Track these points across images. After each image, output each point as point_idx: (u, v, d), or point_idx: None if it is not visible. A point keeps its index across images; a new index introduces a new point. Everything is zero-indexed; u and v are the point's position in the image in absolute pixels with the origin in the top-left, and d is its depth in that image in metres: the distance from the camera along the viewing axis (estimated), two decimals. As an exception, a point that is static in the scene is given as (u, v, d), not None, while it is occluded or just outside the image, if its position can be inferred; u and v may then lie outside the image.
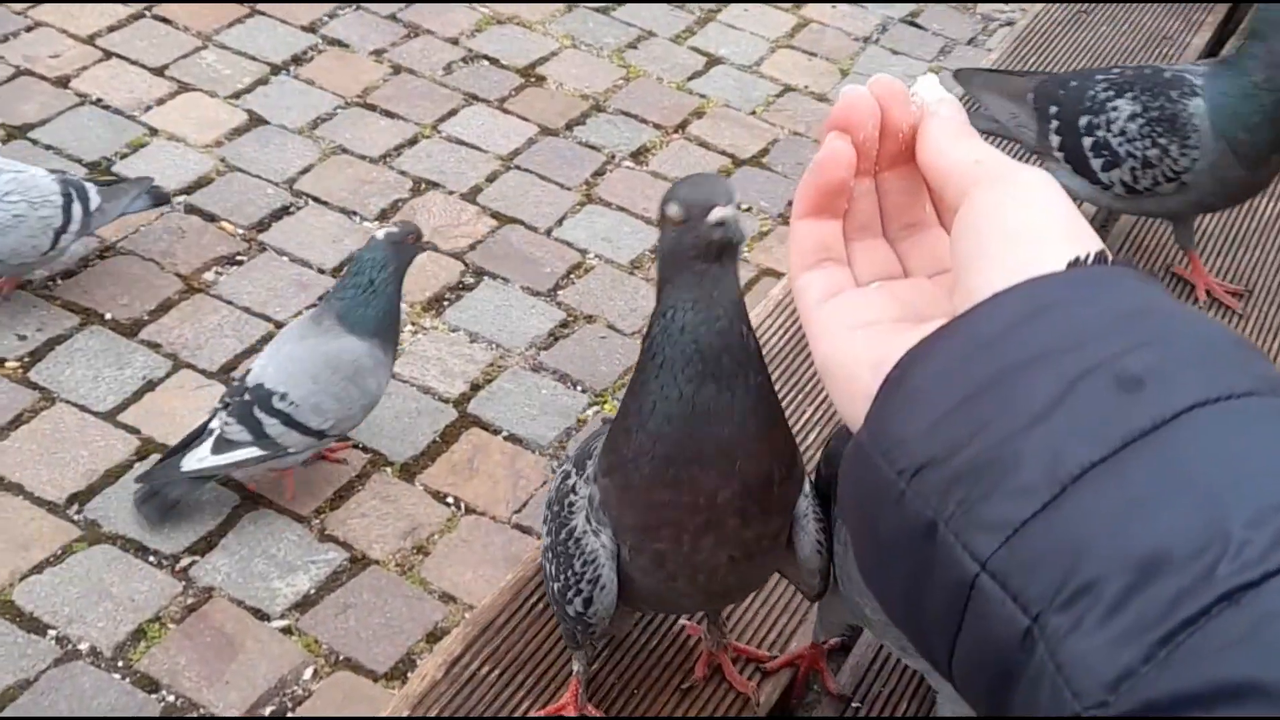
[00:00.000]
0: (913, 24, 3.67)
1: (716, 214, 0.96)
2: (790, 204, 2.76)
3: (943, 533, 0.44)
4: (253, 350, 2.42)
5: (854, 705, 1.25)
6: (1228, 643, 0.38)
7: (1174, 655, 0.39)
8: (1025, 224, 0.50)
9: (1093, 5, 2.62)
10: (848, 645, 1.34)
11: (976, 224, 0.51)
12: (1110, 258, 0.48)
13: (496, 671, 1.22)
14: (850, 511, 0.50)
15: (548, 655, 1.25)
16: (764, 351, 1.62)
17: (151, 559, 2.08)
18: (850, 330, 0.53)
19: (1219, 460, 0.42)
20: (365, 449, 2.29)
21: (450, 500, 2.24)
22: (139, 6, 3.18)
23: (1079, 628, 0.41)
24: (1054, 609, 0.41)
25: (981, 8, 3.76)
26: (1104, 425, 0.43)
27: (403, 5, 3.35)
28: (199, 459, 2.08)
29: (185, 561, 2.08)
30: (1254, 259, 1.94)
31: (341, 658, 2.00)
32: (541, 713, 1.20)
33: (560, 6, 3.47)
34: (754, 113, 3.24)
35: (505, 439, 2.35)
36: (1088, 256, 0.48)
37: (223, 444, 2.08)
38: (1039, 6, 2.41)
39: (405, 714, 1.17)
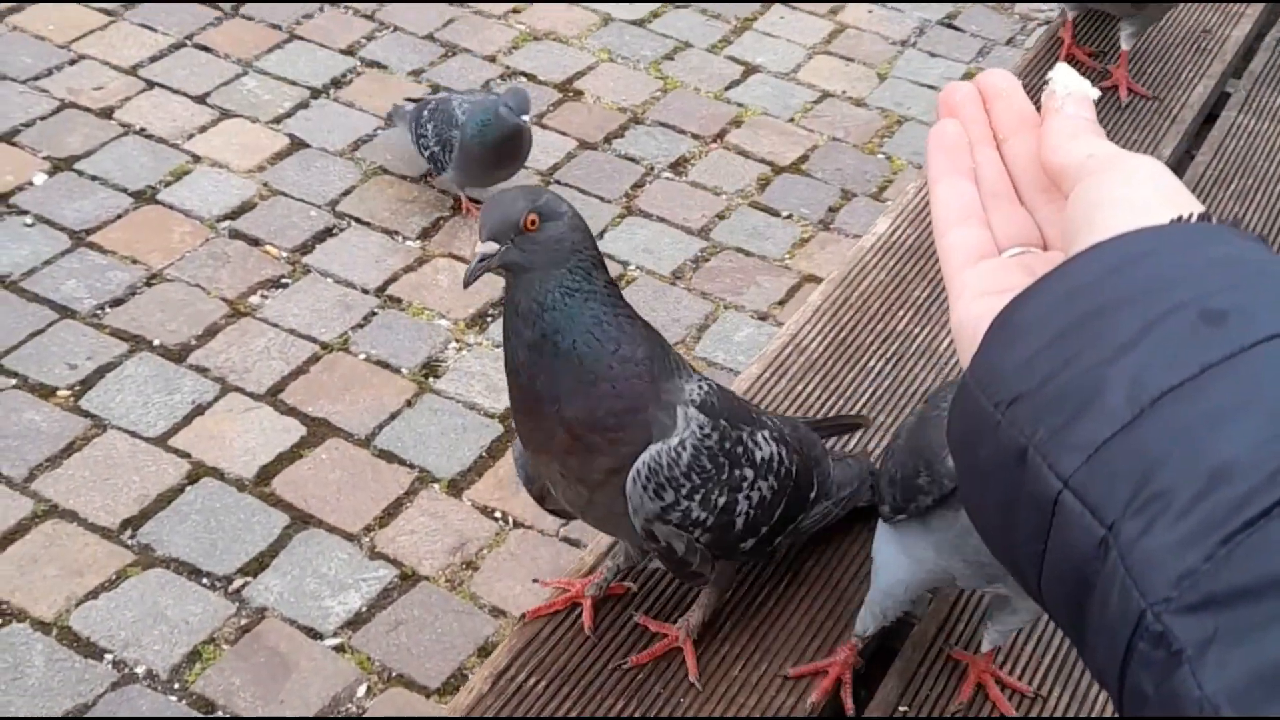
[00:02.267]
0: (950, 26, 3.65)
1: (476, 248, 1.09)
2: (830, 209, 2.75)
3: (1031, 456, 0.47)
4: (300, 372, 2.44)
5: (901, 709, 1.24)
6: None
7: (1234, 553, 0.41)
8: (1130, 196, 0.53)
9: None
10: (892, 649, 1.33)
11: (1085, 200, 0.54)
12: (1215, 220, 0.51)
13: (544, 683, 1.22)
14: (956, 449, 0.53)
15: (594, 664, 1.25)
16: (803, 356, 1.62)
17: (204, 581, 2.09)
18: (983, 296, 0.56)
19: None
20: (412, 465, 2.30)
21: (498, 515, 2.25)
22: (180, 36, 3.22)
23: (1149, 532, 0.43)
24: (1127, 517, 0.44)
25: (1019, 8, 3.74)
26: (1185, 353, 0.45)
27: (439, 26, 3.37)
28: None
29: (238, 583, 2.10)
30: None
31: (394, 674, 2.01)
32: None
33: (596, 20, 3.48)
34: (792, 120, 3.23)
35: (552, 453, 2.35)
36: (1190, 215, 0.51)
37: None
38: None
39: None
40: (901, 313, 1.71)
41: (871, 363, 1.63)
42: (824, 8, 3.64)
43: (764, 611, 1.31)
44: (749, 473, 1.17)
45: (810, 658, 1.27)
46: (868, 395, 1.59)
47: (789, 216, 2.94)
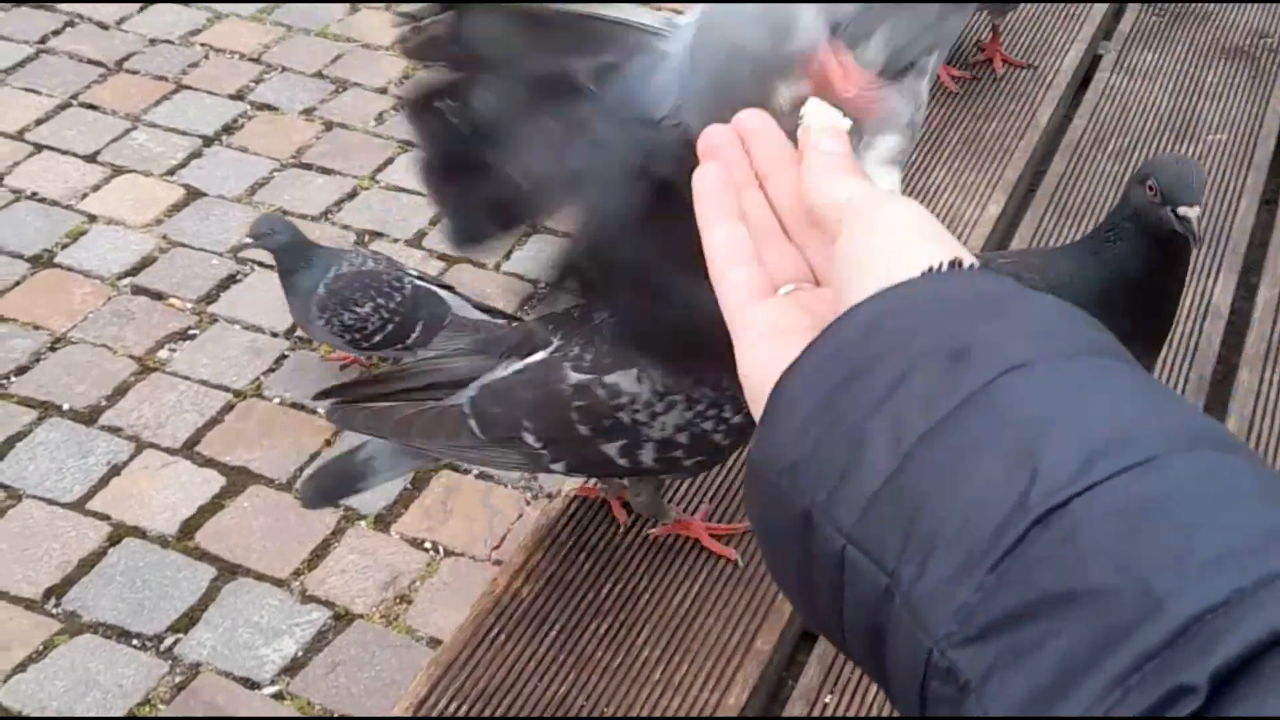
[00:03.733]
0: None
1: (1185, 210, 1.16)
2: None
3: (815, 518, 0.48)
4: (215, 422, 2.42)
5: (826, 699, 1.25)
6: (1041, 559, 0.42)
7: (1001, 581, 0.43)
8: (890, 246, 0.53)
9: None
10: (813, 634, 1.34)
11: (847, 255, 0.55)
12: (969, 262, 0.52)
13: (465, 707, 1.22)
14: (755, 521, 0.54)
15: (515, 684, 1.25)
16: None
17: (135, 642, 2.07)
18: (764, 340, 0.56)
19: (1031, 409, 0.45)
20: (337, 505, 2.29)
21: (428, 545, 2.24)
22: (64, 96, 3.19)
23: (923, 574, 0.44)
24: (904, 562, 0.45)
25: None
26: (935, 395, 0.46)
27: (328, 63, 3.35)
28: None
29: (169, 640, 2.08)
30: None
31: (336, 716, 2.00)
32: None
33: (484, 43, 3.48)
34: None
35: (476, 477, 2.35)
36: (941, 264, 0.51)
37: None
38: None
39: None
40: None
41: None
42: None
43: (681, 613, 1.32)
44: None
45: (729, 654, 1.28)
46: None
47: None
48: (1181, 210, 1.20)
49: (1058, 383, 0.46)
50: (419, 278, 2.48)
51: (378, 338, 2.41)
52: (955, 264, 0.51)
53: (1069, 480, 0.43)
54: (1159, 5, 2.38)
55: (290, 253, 2.43)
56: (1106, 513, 0.42)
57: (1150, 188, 1.21)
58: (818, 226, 0.59)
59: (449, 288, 2.51)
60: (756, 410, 0.54)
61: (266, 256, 2.76)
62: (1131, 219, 1.25)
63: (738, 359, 0.57)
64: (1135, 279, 1.25)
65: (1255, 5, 2.38)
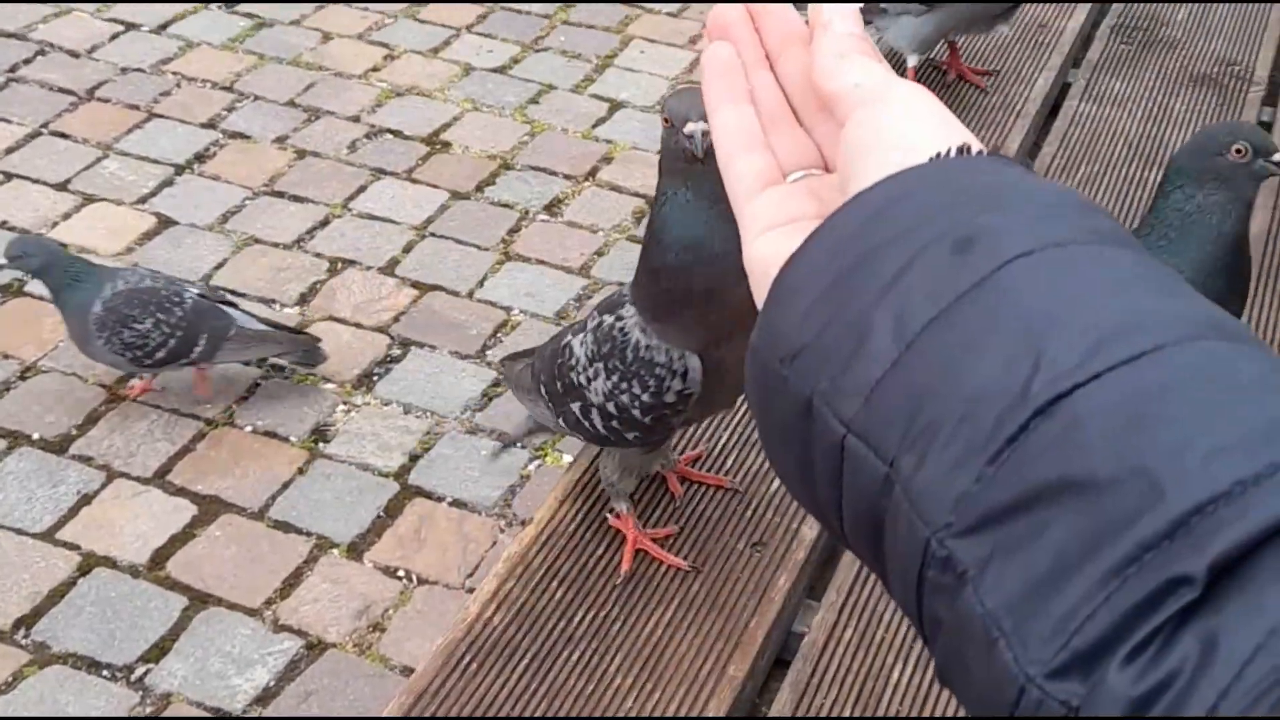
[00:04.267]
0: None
1: (689, 127, 1.16)
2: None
3: (817, 406, 0.48)
4: (186, 451, 2.41)
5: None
6: (1041, 450, 0.42)
7: (1000, 472, 0.43)
8: (897, 133, 0.52)
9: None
10: (785, 661, 1.34)
11: (854, 142, 0.54)
12: (977, 149, 0.51)
13: (437, 738, 1.21)
14: (754, 409, 0.53)
15: (487, 713, 1.25)
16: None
17: (105, 673, 2.05)
18: (770, 230, 0.56)
19: (1036, 299, 0.45)
20: (309, 533, 2.28)
21: (401, 573, 2.23)
22: (35, 125, 3.18)
23: (923, 463, 0.44)
24: (903, 452, 0.45)
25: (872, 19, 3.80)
26: (941, 285, 0.46)
27: (300, 91, 3.36)
28: None
29: (140, 671, 2.06)
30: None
31: (319, 717, 1.98)
32: (626, 563, 1.40)
33: (457, 71, 3.50)
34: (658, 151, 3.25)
35: (450, 505, 2.35)
36: (949, 150, 0.51)
37: None
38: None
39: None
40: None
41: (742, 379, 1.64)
42: (683, 38, 3.69)
43: (653, 641, 1.31)
44: None
45: (702, 682, 1.28)
46: (742, 413, 1.60)
47: (667, 246, 2.95)
48: (1277, 156, 1.34)
49: (1062, 271, 0.46)
50: (200, 294, 2.47)
51: (160, 354, 2.40)
52: (963, 150, 0.51)
53: (1072, 370, 0.42)
54: (1128, 33, 2.41)
55: (55, 273, 2.40)
56: (1110, 403, 0.42)
57: (1239, 150, 1.33)
58: (827, 110, 0.57)
59: (232, 303, 2.51)
60: (757, 298, 0.54)
61: (239, 284, 2.76)
62: (1216, 186, 1.34)
63: (743, 248, 0.56)
64: (1232, 239, 1.35)
65: (1223, 35, 2.41)
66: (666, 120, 1.20)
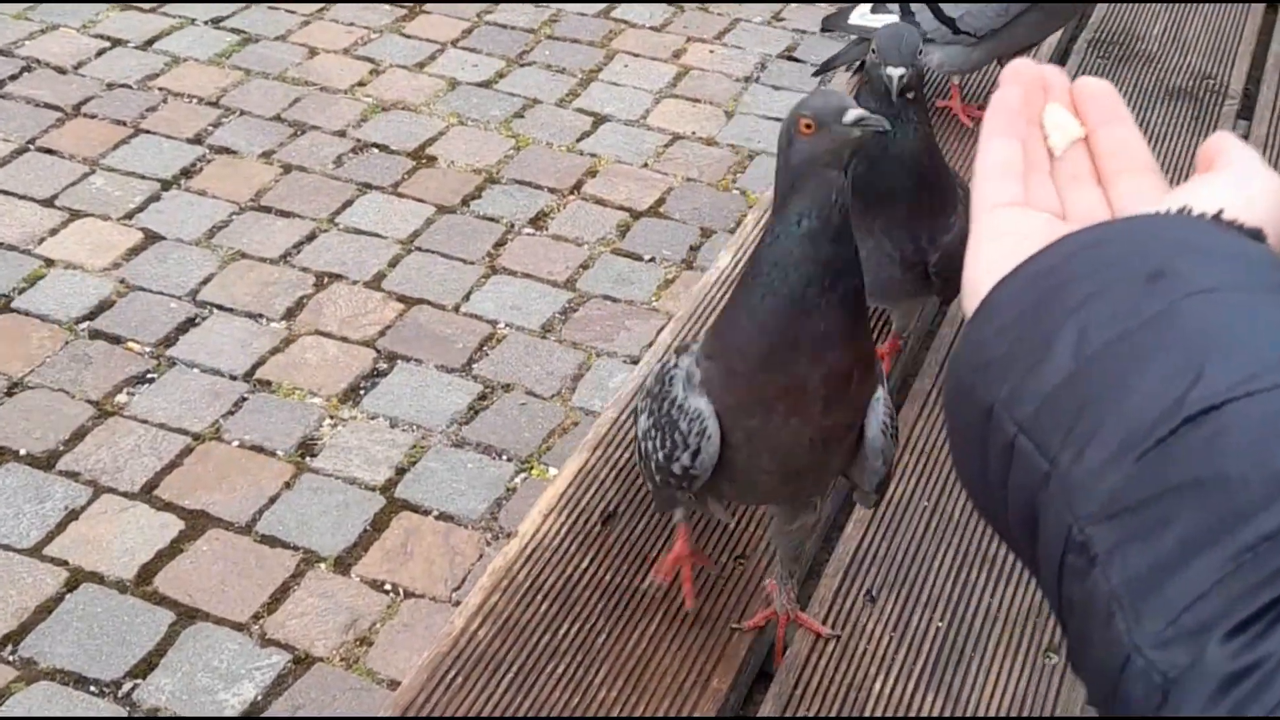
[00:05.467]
0: (791, 58, 3.73)
1: (852, 114, 1.10)
2: (691, 248, 2.79)
3: (997, 411, 0.54)
4: (174, 466, 2.41)
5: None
6: (1185, 452, 0.47)
7: (1144, 469, 0.48)
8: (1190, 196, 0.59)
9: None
10: (768, 674, 1.36)
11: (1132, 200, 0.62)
12: (1200, 213, 0.57)
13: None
14: (948, 411, 0.60)
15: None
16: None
17: (92, 689, 2.06)
18: (994, 241, 0.62)
19: (1207, 327, 0.50)
20: (296, 547, 2.29)
21: (388, 587, 2.24)
22: (21, 141, 3.19)
23: (1079, 460, 0.50)
24: (1064, 449, 0.51)
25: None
26: (1124, 309, 0.52)
27: (286, 106, 3.37)
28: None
29: (127, 686, 2.07)
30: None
31: (312, 717, 1.99)
32: (662, 572, 1.39)
33: (443, 86, 3.51)
34: (646, 165, 3.28)
35: (436, 518, 2.36)
36: (1169, 209, 0.57)
37: None
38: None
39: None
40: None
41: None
42: (666, 52, 3.71)
43: (638, 654, 1.33)
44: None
45: (686, 694, 1.29)
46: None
47: (652, 260, 2.98)
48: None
49: (1237, 310, 0.50)
50: None
51: None
52: (1183, 210, 0.57)
53: (1229, 388, 0.47)
54: (1104, 48, 2.43)
55: None
56: (1255, 418, 0.46)
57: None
58: (1081, 178, 0.65)
59: None
60: (967, 304, 0.60)
61: (226, 299, 2.77)
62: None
63: (968, 256, 0.62)
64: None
65: (1198, 49, 2.43)
66: (808, 126, 1.10)
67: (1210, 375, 0.47)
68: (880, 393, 1.22)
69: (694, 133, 3.40)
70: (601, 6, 3.90)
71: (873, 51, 1.50)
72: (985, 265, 0.60)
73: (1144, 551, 0.46)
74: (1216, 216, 0.56)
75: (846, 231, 1.13)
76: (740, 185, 3.22)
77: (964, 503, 1.51)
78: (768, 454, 1.20)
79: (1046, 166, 0.66)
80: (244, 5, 3.80)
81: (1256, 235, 0.56)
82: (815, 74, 2.69)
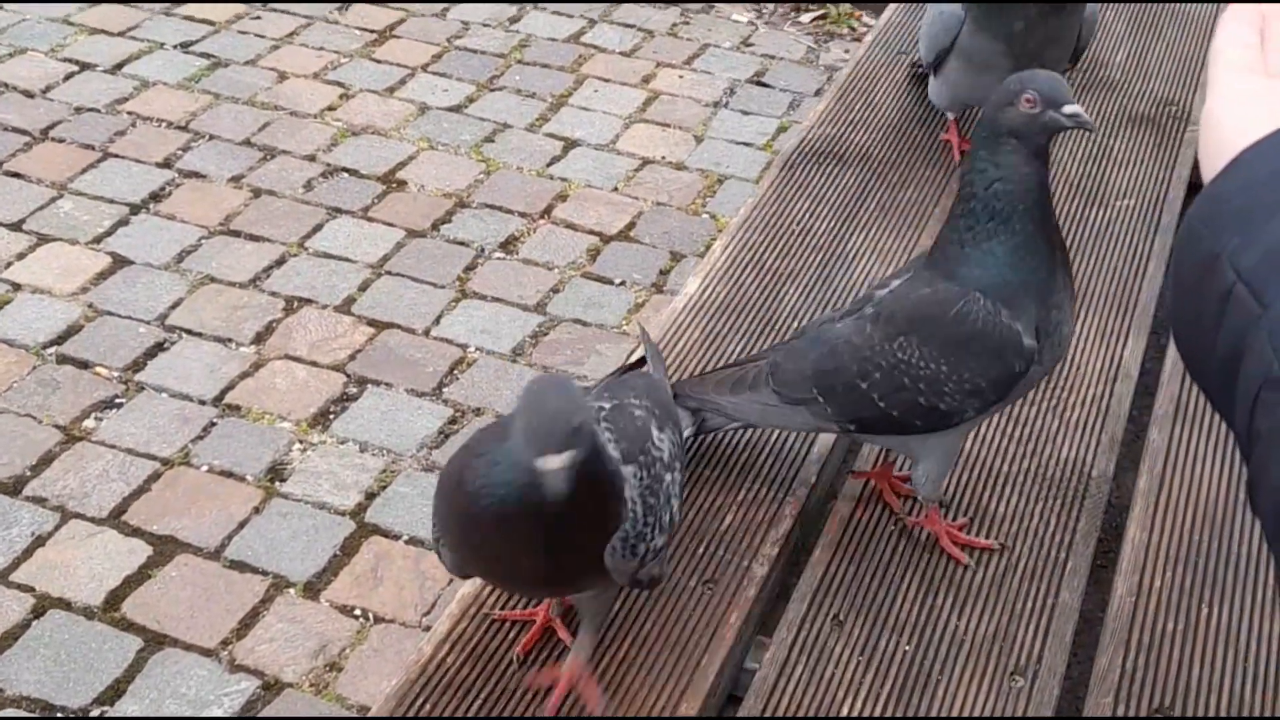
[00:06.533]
0: (760, 84, 3.75)
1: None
2: (661, 272, 2.79)
3: (1221, 260, 0.57)
4: (142, 491, 2.41)
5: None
6: None
7: None
8: None
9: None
10: (738, 697, 1.36)
11: None
12: None
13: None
14: (1176, 260, 0.62)
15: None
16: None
17: (60, 716, 2.05)
18: (1246, 103, 0.65)
19: None
20: (265, 572, 2.28)
21: (358, 612, 2.24)
22: (-11, 165, 3.19)
23: None
24: (1277, 296, 0.53)
25: (824, 60, 3.87)
26: None
27: (256, 131, 3.37)
28: None
29: (95, 713, 2.06)
30: (1088, 267, 2.01)
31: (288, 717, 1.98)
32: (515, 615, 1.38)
33: (413, 110, 3.52)
34: (616, 189, 3.29)
35: (407, 543, 2.36)
36: None
37: None
38: (861, 51, 2.49)
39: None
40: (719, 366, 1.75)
41: (695, 420, 1.67)
42: (636, 77, 3.73)
43: (606, 679, 1.33)
44: (666, 475, 1.27)
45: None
46: (689, 452, 1.62)
47: (622, 283, 2.99)
48: (1069, 109, 1.32)
49: None
50: None
51: None
52: None
53: None
54: (1068, 77, 2.45)
55: None
56: None
57: (1028, 99, 1.30)
58: None
59: None
60: (1209, 163, 0.63)
61: (195, 324, 2.77)
62: (1011, 144, 1.32)
63: (1209, 119, 0.65)
64: (1038, 213, 1.34)
65: (1161, 75, 2.46)
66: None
67: None
68: (624, 512, 1.19)
69: (664, 157, 3.42)
70: (572, 31, 3.92)
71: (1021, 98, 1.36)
72: (1233, 126, 0.62)
73: None
74: None
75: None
76: (710, 210, 3.24)
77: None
78: (509, 576, 1.25)
79: None
80: (214, 29, 3.81)
81: None
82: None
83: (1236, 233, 0.56)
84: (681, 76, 3.76)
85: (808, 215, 2.06)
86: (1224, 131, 0.63)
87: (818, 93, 3.68)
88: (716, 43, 3.93)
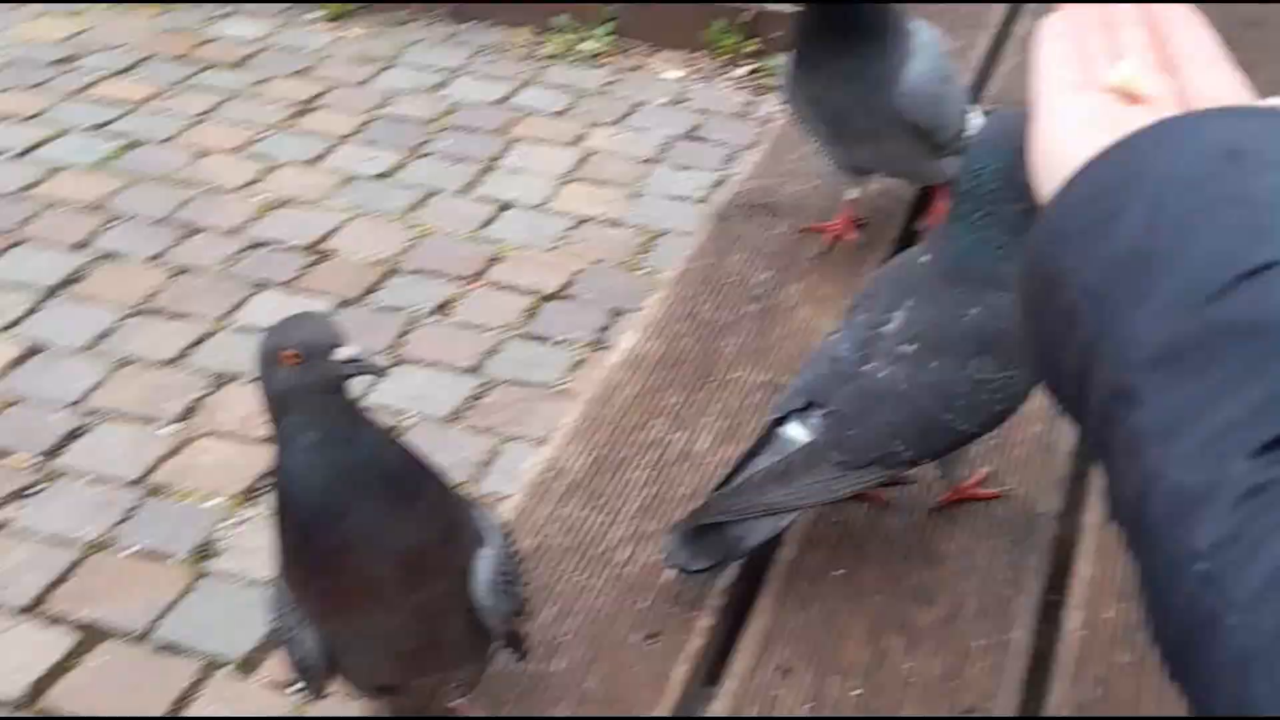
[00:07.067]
0: (695, 138, 3.73)
1: (343, 352, 1.05)
2: (599, 329, 2.74)
3: (1066, 277, 0.57)
4: (64, 579, 2.31)
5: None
6: (1237, 304, 0.50)
7: (1199, 318, 0.51)
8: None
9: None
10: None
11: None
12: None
13: None
14: (1020, 284, 0.62)
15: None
16: (565, 479, 1.59)
17: (-22, 821, 1.94)
18: (1075, 120, 0.64)
19: (1273, 199, 0.53)
20: (197, 653, 2.19)
21: (291, 691, 2.14)
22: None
23: (1136, 315, 0.53)
24: (1122, 307, 0.53)
25: (760, 112, 3.85)
26: (1198, 184, 0.54)
27: (174, 209, 3.30)
28: None
29: (17, 816, 1.95)
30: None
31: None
32: None
33: (337, 180, 3.47)
34: (551, 249, 3.24)
35: (344, 619, 2.27)
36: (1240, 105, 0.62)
37: None
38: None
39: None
40: (656, 422, 1.70)
41: (633, 474, 1.62)
42: (568, 137, 3.69)
43: (541, 741, 1.26)
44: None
45: None
46: (634, 507, 1.57)
47: (560, 342, 2.94)
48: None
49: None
50: None
51: None
52: (1246, 109, 0.60)
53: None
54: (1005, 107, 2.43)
55: None
56: None
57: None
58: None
59: None
60: (1045, 184, 0.62)
61: (114, 405, 2.68)
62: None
63: (1040, 138, 0.65)
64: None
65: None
66: (294, 357, 1.05)
67: (1275, 237, 0.50)
68: (487, 550, 1.17)
69: (599, 215, 3.38)
70: (500, 95, 3.89)
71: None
72: (1064, 144, 0.62)
73: (1186, 389, 0.49)
74: None
75: (361, 429, 1.09)
76: (648, 265, 3.19)
77: (877, 569, 1.47)
78: (362, 649, 1.18)
79: (1107, 57, 0.69)
80: (129, 109, 3.74)
81: None
82: None
83: (1076, 250, 0.56)
84: (614, 135, 3.73)
85: (744, 266, 2.02)
86: (1056, 150, 0.63)
87: (753, 145, 3.65)
88: (649, 100, 3.90)
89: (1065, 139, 0.63)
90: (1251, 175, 0.53)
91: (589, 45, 4.09)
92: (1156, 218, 0.53)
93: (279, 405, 1.08)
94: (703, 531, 1.40)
